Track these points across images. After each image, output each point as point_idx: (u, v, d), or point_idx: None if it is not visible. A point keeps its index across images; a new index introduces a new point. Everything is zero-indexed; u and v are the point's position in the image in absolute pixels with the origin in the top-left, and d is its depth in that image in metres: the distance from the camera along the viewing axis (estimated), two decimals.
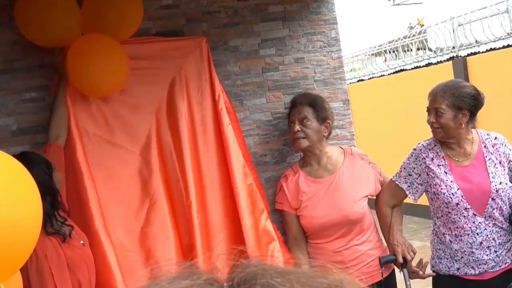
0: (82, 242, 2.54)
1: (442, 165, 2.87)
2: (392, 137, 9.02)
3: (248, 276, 0.48)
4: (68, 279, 2.33)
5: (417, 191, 2.96)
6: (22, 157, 2.47)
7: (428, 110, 2.90)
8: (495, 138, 2.92)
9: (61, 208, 2.53)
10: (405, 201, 3.19)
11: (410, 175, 2.95)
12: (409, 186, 2.96)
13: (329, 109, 3.12)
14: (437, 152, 2.90)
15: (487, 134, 2.93)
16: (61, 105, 2.78)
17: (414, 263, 3.00)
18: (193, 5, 3.22)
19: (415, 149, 2.97)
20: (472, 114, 2.84)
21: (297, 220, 3.06)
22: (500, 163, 2.86)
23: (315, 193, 3.02)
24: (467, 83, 2.96)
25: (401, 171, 3.00)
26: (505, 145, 2.91)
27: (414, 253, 2.98)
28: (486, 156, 2.86)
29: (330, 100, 3.34)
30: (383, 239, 3.14)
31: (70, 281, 2.34)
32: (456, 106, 2.80)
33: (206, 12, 3.25)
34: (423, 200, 3.07)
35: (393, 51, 10.36)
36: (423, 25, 12.34)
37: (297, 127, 3.00)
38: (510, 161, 2.88)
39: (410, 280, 2.99)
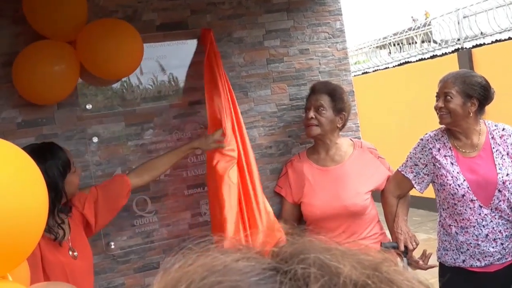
0: (75, 253, 2.49)
1: (449, 156, 2.86)
2: (397, 129, 9.00)
3: (296, 250, 0.48)
4: (40, 279, 2.25)
5: (423, 181, 2.95)
6: (47, 146, 2.48)
7: (437, 95, 2.88)
8: (503, 129, 2.90)
9: (63, 210, 2.48)
10: (410, 193, 3.19)
11: (416, 165, 2.94)
12: (415, 176, 2.95)
13: (347, 102, 3.11)
14: (444, 143, 2.89)
15: (495, 125, 2.92)
16: (172, 159, 2.88)
17: (417, 254, 2.99)
18: None
19: (422, 139, 2.96)
20: (481, 105, 2.83)
21: (292, 207, 3.13)
22: (507, 154, 2.84)
23: (318, 181, 3.02)
24: (478, 74, 2.95)
25: (407, 161, 2.99)
26: None
27: (417, 244, 2.97)
28: (493, 148, 2.85)
29: None
30: (386, 231, 3.14)
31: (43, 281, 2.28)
32: (466, 93, 2.79)
33: (211, 4, 3.24)
34: (428, 193, 3.06)
35: (398, 44, 10.31)
36: (429, 17, 12.25)
37: (312, 114, 3.01)
38: None
39: (409, 270, 2.98)
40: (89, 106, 3.01)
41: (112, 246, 3.01)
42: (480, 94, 2.80)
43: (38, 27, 2.77)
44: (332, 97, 3.04)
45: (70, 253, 2.47)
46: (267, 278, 0.45)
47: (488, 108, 2.89)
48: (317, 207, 2.97)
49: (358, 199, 2.99)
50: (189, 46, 3.23)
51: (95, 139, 3.01)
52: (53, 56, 2.75)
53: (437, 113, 2.87)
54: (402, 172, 3.00)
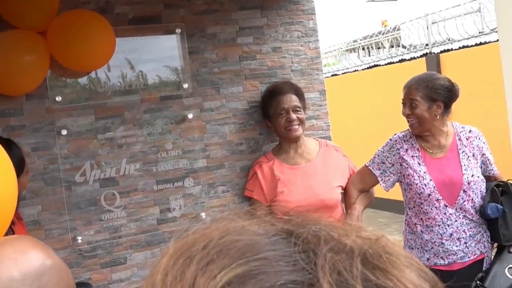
0: None
1: (416, 156, 2.91)
2: (364, 131, 9.08)
3: (305, 221, 0.51)
4: None
5: (389, 179, 2.99)
6: (4, 141, 2.41)
7: (403, 102, 2.93)
8: (470, 131, 2.96)
9: None
10: (376, 195, 3.23)
11: (383, 163, 2.99)
12: (381, 173, 2.99)
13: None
14: (412, 144, 2.94)
15: (462, 127, 2.98)
16: None
17: None
18: None
19: (390, 140, 3.01)
20: (447, 106, 2.88)
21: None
22: (473, 156, 2.90)
23: (291, 179, 3.03)
24: (441, 75, 3.01)
25: (374, 157, 3.03)
26: (479, 138, 2.96)
27: None
28: (460, 149, 2.90)
29: (306, 90, 3.36)
30: None
31: None
32: (430, 97, 2.84)
33: None
34: (394, 195, 3.09)
35: (367, 48, 10.40)
36: (387, 26, 12.32)
37: (294, 115, 3.02)
38: (483, 154, 2.93)
39: None
40: (58, 98, 2.97)
41: (79, 241, 2.97)
42: (444, 96, 2.85)
43: (7, 16, 2.72)
44: (299, 96, 3.11)
45: None
46: (282, 239, 0.48)
47: (454, 111, 2.94)
48: (293, 203, 2.98)
49: (332, 193, 3.03)
50: (162, 41, 3.21)
51: (64, 132, 2.96)
52: (23, 46, 2.71)
53: (407, 120, 2.93)
54: (369, 167, 3.04)
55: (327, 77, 10.54)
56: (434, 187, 2.84)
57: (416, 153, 2.92)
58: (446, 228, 2.85)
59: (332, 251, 0.45)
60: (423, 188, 2.85)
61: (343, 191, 3.15)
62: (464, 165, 2.88)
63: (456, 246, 2.85)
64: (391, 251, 0.48)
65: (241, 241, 0.47)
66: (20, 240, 0.98)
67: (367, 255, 0.46)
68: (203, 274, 0.44)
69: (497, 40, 6.61)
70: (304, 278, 0.43)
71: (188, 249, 0.49)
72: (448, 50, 7.81)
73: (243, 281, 0.43)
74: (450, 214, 2.84)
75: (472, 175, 2.86)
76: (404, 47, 9.32)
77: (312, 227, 0.49)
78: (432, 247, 2.89)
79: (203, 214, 3.22)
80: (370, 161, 3.05)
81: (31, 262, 0.92)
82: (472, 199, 2.85)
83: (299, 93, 3.12)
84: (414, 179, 2.87)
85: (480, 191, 2.89)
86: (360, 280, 0.43)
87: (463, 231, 2.85)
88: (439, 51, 7.93)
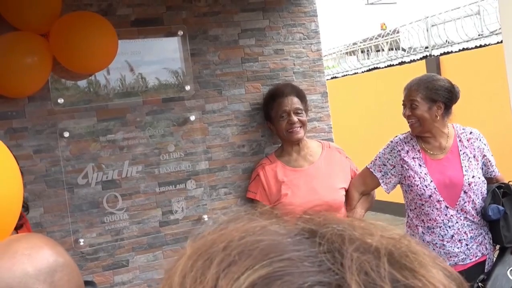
0: None
1: (417, 158, 2.91)
2: (365, 133, 9.08)
3: (326, 220, 0.50)
4: None
5: (390, 181, 2.99)
6: None
7: (404, 103, 2.94)
8: (470, 132, 2.97)
9: None
10: (377, 198, 3.22)
11: (384, 165, 2.99)
12: (383, 176, 2.99)
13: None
14: (413, 146, 2.94)
15: (463, 129, 2.99)
16: None
17: None
18: None
19: (391, 141, 3.01)
20: (447, 107, 2.89)
21: None
22: (474, 157, 2.91)
23: (294, 181, 3.03)
24: (441, 77, 3.03)
25: (376, 159, 3.03)
26: (480, 140, 2.96)
27: None
28: (460, 150, 2.91)
29: (308, 92, 3.36)
30: None
31: None
32: (430, 98, 2.85)
33: (186, 0, 3.23)
34: (395, 197, 3.08)
35: (366, 51, 10.41)
36: (385, 29, 12.32)
37: (296, 118, 3.02)
38: (484, 155, 2.94)
39: None
40: (60, 101, 2.97)
41: (81, 243, 2.97)
42: (445, 97, 2.86)
43: (10, 18, 2.72)
44: (301, 98, 3.10)
45: None
46: (305, 239, 0.47)
47: (455, 113, 2.95)
48: (298, 205, 2.98)
49: (336, 195, 3.03)
50: (164, 43, 3.21)
51: (66, 134, 2.96)
52: (25, 48, 2.71)
53: (407, 121, 2.93)
54: (370, 169, 3.04)
55: (327, 79, 10.53)
56: (435, 188, 2.84)
57: (417, 154, 2.92)
58: (447, 230, 2.85)
59: (358, 251, 0.44)
60: (424, 190, 2.85)
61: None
62: (465, 166, 2.88)
63: (457, 248, 2.85)
64: (416, 250, 0.47)
65: (264, 241, 0.46)
66: (33, 237, 0.99)
67: (393, 254, 0.45)
68: (225, 276, 0.43)
69: (497, 43, 6.63)
70: (331, 279, 0.42)
71: (207, 250, 0.47)
72: (448, 53, 7.81)
73: (268, 283, 0.42)
74: (451, 215, 2.84)
75: (473, 176, 2.86)
76: (403, 50, 9.33)
77: (335, 226, 0.48)
78: (434, 249, 2.89)
79: (205, 216, 3.22)
80: (371, 163, 3.05)
81: (44, 259, 0.92)
82: (473, 200, 2.85)
83: (300, 95, 3.11)
84: (415, 181, 2.88)
85: (481, 192, 2.89)
86: (388, 280, 0.42)
87: (464, 232, 2.85)
88: (439, 54, 7.93)
